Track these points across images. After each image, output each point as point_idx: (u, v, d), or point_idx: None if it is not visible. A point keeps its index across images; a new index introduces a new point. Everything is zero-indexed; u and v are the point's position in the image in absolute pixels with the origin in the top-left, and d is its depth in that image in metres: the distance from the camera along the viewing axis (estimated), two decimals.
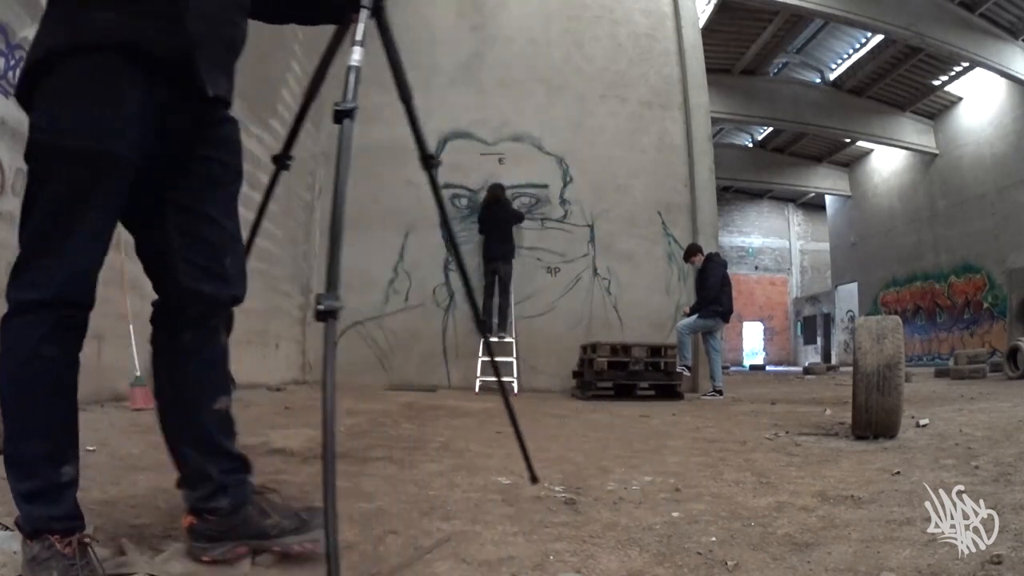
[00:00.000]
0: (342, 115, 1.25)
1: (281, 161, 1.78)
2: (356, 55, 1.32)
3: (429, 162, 1.77)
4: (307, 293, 7.25)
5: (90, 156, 1.08)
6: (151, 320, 1.30)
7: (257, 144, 5.65)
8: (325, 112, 8.08)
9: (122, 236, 3.76)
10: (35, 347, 1.07)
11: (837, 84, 15.60)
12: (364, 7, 1.39)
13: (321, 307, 1.10)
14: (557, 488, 2.05)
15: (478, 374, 6.68)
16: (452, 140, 7.70)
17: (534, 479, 1.89)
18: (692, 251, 6.98)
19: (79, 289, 1.10)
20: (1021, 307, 9.91)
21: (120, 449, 2.36)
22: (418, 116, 1.71)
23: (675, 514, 1.75)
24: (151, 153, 1.16)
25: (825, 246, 23.77)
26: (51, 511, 1.09)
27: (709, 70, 8.52)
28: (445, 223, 1.94)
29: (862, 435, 2.96)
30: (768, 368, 20.81)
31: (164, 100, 1.16)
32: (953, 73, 14.55)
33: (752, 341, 26.06)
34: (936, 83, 15.02)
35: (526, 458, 1.88)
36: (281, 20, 1.58)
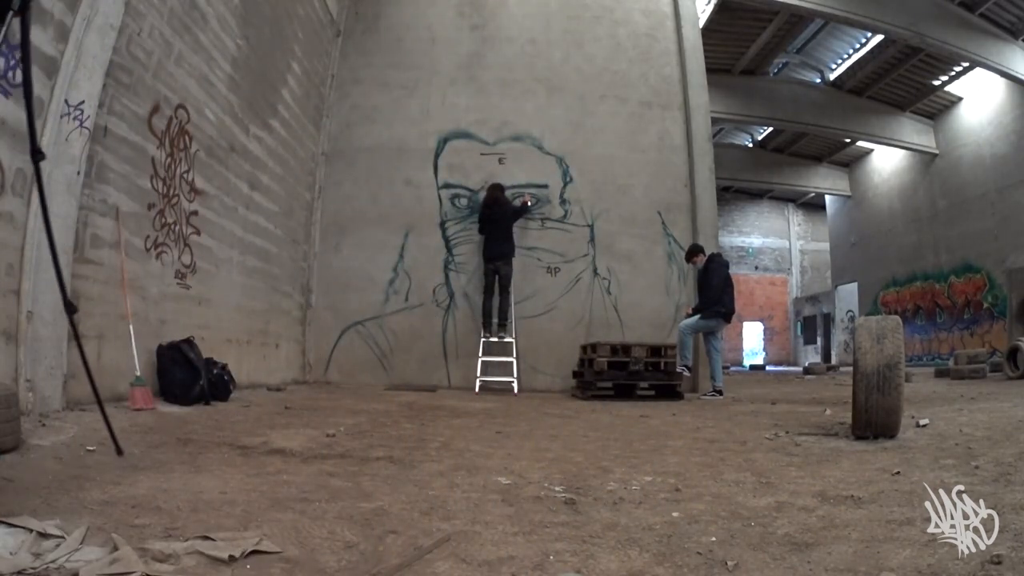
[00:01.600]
0: None
1: None
2: None
3: (36, 156, 1.94)
4: (307, 293, 7.25)
5: None
6: None
7: (257, 144, 5.63)
8: (326, 113, 8.04)
9: (123, 236, 3.74)
10: None
11: (837, 84, 15.60)
12: (11, 9, 1.68)
13: None
14: (557, 488, 2.05)
15: (478, 374, 6.69)
16: (452, 140, 7.70)
17: (119, 451, 2.22)
18: (694, 252, 6.98)
19: None
20: (1021, 307, 9.90)
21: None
22: (34, 110, 1.91)
23: (675, 514, 1.75)
24: None
25: (825, 246, 23.77)
26: None
27: (709, 70, 8.52)
28: (45, 226, 2.08)
29: (862, 435, 2.96)
30: (768, 368, 20.81)
31: None
32: (953, 73, 14.55)
33: (752, 341, 26.06)
34: (936, 83, 15.01)
35: (110, 431, 2.25)
36: None
